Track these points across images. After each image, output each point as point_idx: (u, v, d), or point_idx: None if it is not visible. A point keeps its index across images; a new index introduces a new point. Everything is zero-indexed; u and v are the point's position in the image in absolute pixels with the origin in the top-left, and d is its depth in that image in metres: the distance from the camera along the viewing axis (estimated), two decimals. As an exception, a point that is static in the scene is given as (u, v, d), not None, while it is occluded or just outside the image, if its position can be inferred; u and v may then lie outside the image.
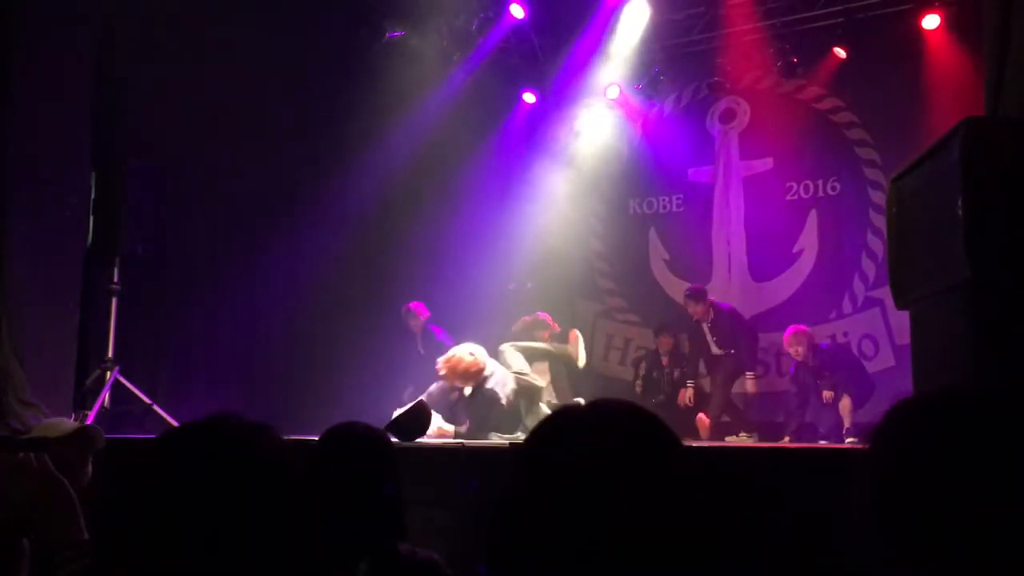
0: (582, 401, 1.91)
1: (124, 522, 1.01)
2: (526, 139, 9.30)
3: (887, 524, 1.24)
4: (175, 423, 5.50)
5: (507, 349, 6.13)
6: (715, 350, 7.44)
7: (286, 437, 1.13)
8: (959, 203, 3.27)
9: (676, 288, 8.89)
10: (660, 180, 9.14)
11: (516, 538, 1.03)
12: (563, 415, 1.14)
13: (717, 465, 3.38)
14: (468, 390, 5.83)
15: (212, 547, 0.98)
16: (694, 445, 5.08)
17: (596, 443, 1.05)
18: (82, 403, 6.29)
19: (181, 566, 0.97)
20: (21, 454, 1.74)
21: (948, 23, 7.53)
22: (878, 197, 7.48)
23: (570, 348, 6.60)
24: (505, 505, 1.06)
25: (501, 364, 5.91)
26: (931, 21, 7.59)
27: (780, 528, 2.88)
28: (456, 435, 5.73)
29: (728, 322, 7.37)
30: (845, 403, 6.58)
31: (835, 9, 7.93)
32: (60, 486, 1.73)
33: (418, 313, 7.69)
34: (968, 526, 1.17)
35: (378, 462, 2.35)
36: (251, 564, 0.99)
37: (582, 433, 1.08)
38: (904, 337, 4.99)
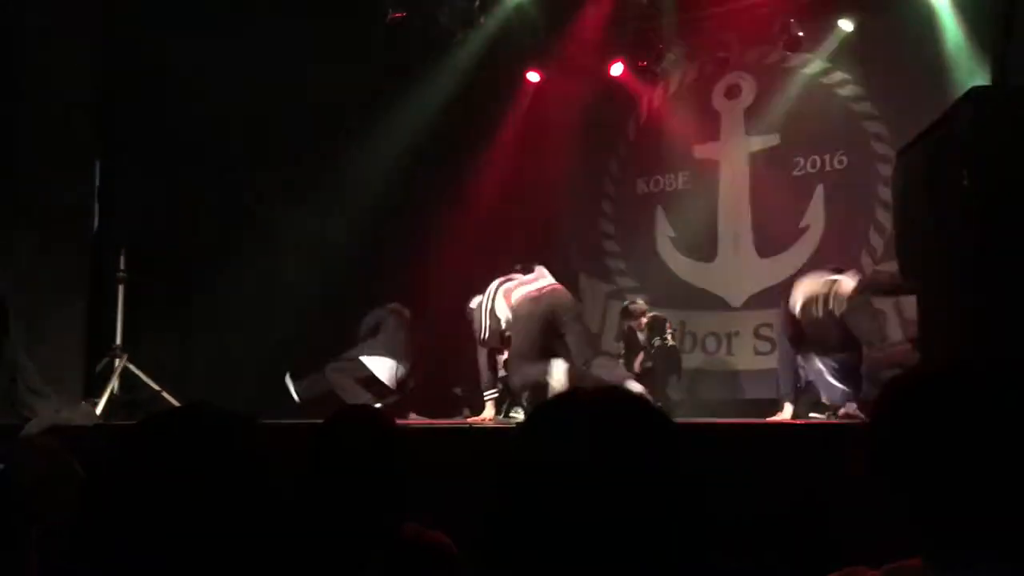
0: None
1: (96, 509, 1.01)
2: (531, 118, 9.26)
3: (889, 494, 1.24)
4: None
5: None
6: None
7: (299, 423, 1.13)
8: (965, 174, 3.25)
9: (683, 266, 8.87)
10: (666, 158, 9.09)
11: (512, 524, 1.03)
12: (560, 401, 1.13)
13: (716, 443, 3.38)
14: None
15: (183, 534, 0.97)
16: (692, 422, 5.08)
17: (593, 428, 1.05)
18: (91, 390, 6.32)
19: (153, 553, 0.96)
20: (28, 437, 1.75)
21: (955, -7, 7.45)
22: (886, 171, 7.41)
23: None
24: (502, 490, 1.06)
25: None
26: (938, -9, 7.51)
27: (780, 505, 2.88)
28: None
29: None
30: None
31: (841, -19, 7.86)
32: (69, 469, 1.74)
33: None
34: (967, 495, 1.17)
35: (383, 443, 2.35)
36: (223, 551, 0.99)
37: (580, 419, 1.07)
38: (912, 311, 4.97)
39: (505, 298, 6.22)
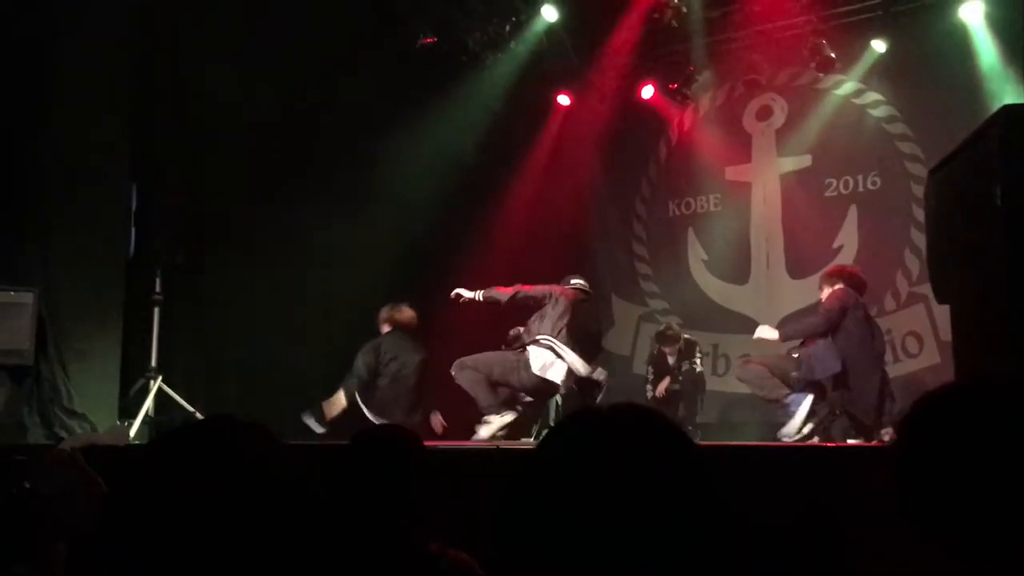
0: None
1: (117, 523, 1.01)
2: (562, 142, 9.28)
3: (911, 510, 1.23)
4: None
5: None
6: None
7: (323, 443, 1.14)
8: (998, 193, 3.21)
9: (715, 288, 8.82)
10: (698, 180, 9.07)
11: (528, 539, 1.03)
12: (579, 417, 1.13)
13: (735, 464, 3.34)
14: None
15: (200, 547, 0.98)
16: (711, 444, 5.04)
17: (612, 445, 1.04)
18: (127, 412, 6.39)
19: (172, 567, 0.97)
20: (55, 450, 1.77)
21: (988, 13, 7.39)
22: (920, 191, 7.33)
23: None
24: (517, 505, 1.05)
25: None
26: (971, 11, 7.45)
27: (798, 525, 2.84)
28: None
29: None
30: None
31: (873, 2, 7.82)
32: (94, 484, 1.75)
33: None
34: (988, 511, 1.15)
35: (406, 462, 2.35)
36: (242, 564, 0.99)
37: (598, 435, 1.07)
38: (946, 331, 4.90)
39: None
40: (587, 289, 6.52)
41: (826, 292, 6.14)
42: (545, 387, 6.18)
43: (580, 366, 6.14)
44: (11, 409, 5.81)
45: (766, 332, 6.31)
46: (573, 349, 6.11)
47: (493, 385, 6.06)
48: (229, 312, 7.35)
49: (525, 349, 6.06)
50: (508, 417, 6.00)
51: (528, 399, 6.54)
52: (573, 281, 6.45)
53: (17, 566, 1.81)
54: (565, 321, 6.11)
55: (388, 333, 6.80)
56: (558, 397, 6.71)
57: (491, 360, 6.18)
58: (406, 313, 6.88)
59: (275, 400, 7.02)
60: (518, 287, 6.25)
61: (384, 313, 6.87)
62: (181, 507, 0.99)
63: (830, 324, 5.91)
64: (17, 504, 1.70)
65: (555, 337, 6.04)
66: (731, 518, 1.04)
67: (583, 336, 6.32)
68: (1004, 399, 1.22)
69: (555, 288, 6.29)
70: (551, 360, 6.03)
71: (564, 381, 6.12)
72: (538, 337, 6.06)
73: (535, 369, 5.98)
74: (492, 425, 5.92)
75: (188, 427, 1.11)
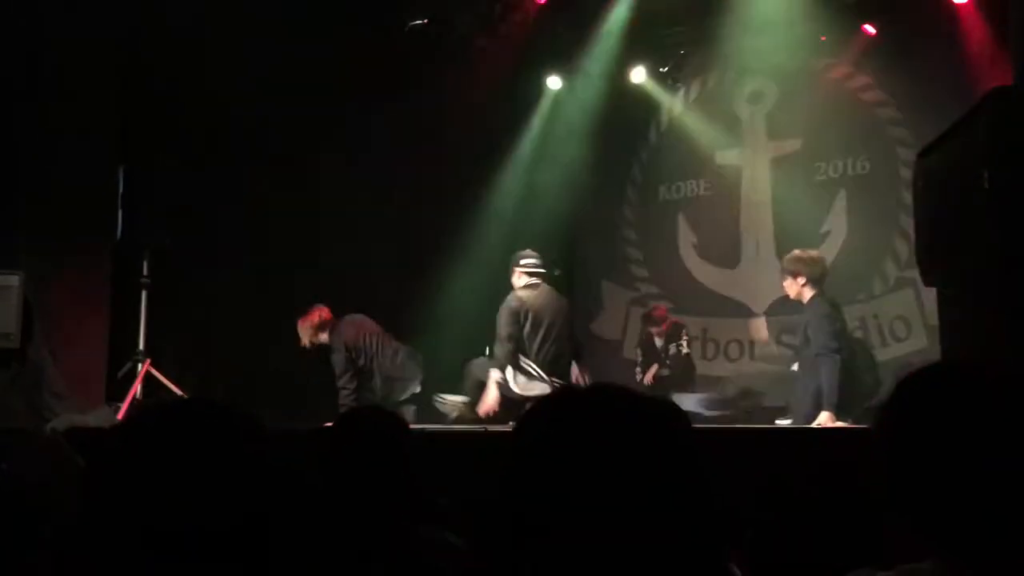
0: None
1: (92, 502, 1.01)
2: (551, 125, 9.26)
3: (898, 493, 1.22)
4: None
5: None
6: None
7: (309, 427, 1.13)
8: (986, 176, 3.21)
9: (705, 273, 8.83)
10: (688, 164, 9.07)
11: (513, 523, 1.02)
12: (561, 397, 1.13)
13: (726, 446, 3.35)
14: None
15: (175, 526, 0.97)
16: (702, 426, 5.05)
17: (595, 425, 1.04)
18: (114, 395, 6.38)
19: (148, 546, 0.96)
20: (34, 432, 1.76)
21: (979, -4, 7.38)
22: (910, 176, 7.35)
23: None
24: (503, 488, 1.05)
25: None
26: (962, -5, 7.44)
27: (789, 508, 2.86)
28: None
29: None
30: None
31: (864, -15, 7.80)
32: (73, 464, 1.74)
33: None
34: (981, 495, 1.15)
35: (394, 444, 2.35)
36: (221, 544, 0.98)
37: (581, 415, 1.06)
38: (934, 316, 4.90)
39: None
40: (537, 270, 6.40)
41: (788, 284, 5.92)
42: None
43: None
44: (-2, 393, 5.78)
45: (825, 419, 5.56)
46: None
47: None
48: (218, 295, 7.33)
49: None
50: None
51: None
52: (523, 261, 6.40)
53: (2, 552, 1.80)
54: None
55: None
56: None
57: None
58: None
59: (265, 384, 7.01)
60: None
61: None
62: (152, 486, 0.98)
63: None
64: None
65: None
66: (713, 496, 1.03)
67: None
68: (997, 382, 1.22)
69: None
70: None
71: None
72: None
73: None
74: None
75: (160, 406, 1.10)
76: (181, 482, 0.99)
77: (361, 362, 6.64)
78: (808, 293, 5.78)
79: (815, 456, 3.28)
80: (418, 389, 6.70)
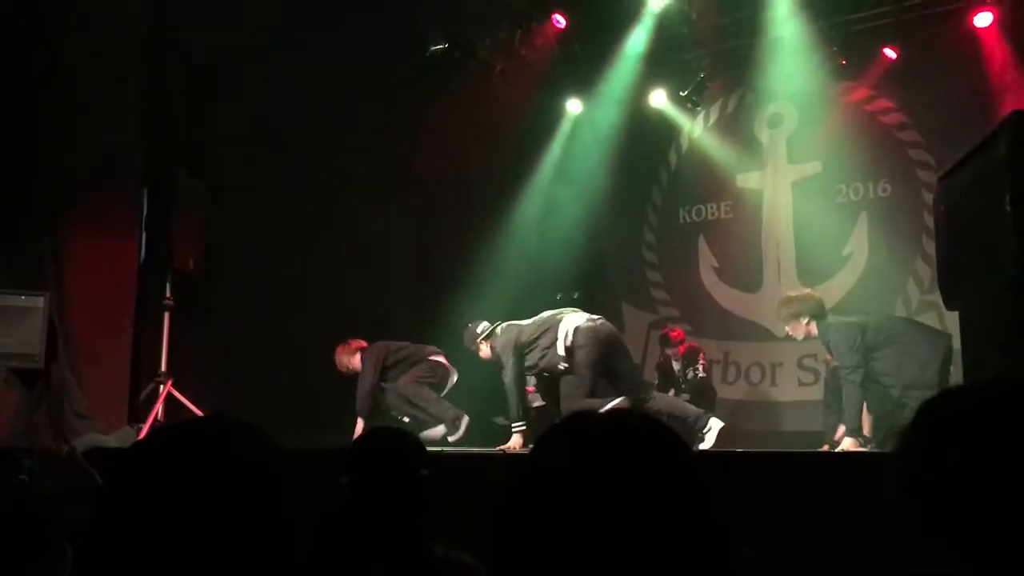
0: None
1: (105, 520, 1.01)
2: (572, 148, 9.29)
3: (923, 515, 1.22)
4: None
5: None
6: None
7: (329, 447, 1.13)
8: (1007, 199, 3.20)
9: (726, 296, 8.80)
10: (709, 187, 9.06)
11: (522, 547, 1.02)
12: (573, 423, 1.12)
13: (736, 471, 3.33)
14: None
15: (189, 544, 0.97)
16: (715, 451, 5.02)
17: (608, 451, 1.04)
18: (136, 416, 6.41)
19: (160, 564, 0.97)
20: (53, 447, 1.78)
21: (1001, 20, 7.37)
22: (931, 198, 7.32)
23: None
24: (512, 513, 1.05)
25: None
26: (983, 19, 7.43)
27: (805, 534, 2.83)
28: None
29: None
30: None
31: (884, 9, 7.80)
32: (90, 478, 1.75)
33: None
34: (1005, 514, 1.14)
35: (410, 464, 2.36)
36: (233, 563, 0.98)
37: (594, 441, 1.06)
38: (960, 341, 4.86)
39: (562, 327, 6.07)
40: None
41: (792, 327, 5.75)
42: None
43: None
44: (22, 413, 5.83)
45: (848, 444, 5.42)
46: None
47: None
48: (240, 318, 7.37)
49: None
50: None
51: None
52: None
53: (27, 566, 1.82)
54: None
55: None
56: None
57: None
58: None
59: (286, 405, 7.03)
60: None
61: None
62: (163, 504, 0.99)
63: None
64: (16, 498, 1.71)
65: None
66: (725, 531, 1.03)
67: None
68: (1012, 401, 1.21)
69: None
70: None
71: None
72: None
73: None
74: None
75: (174, 426, 1.11)
76: (191, 500, 0.99)
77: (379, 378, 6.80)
78: (815, 328, 5.65)
79: (825, 481, 3.25)
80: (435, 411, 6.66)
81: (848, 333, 5.47)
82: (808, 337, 5.75)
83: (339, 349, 6.97)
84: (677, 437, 1.08)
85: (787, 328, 5.84)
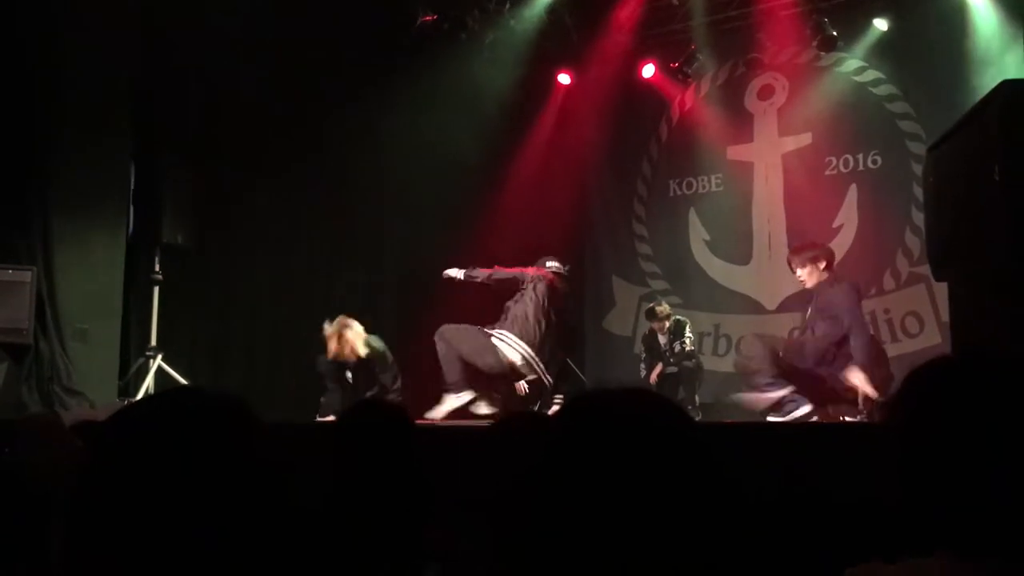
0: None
1: (88, 492, 1.01)
2: (562, 121, 9.25)
3: (910, 487, 1.22)
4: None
5: None
6: None
7: (316, 422, 1.12)
8: (996, 169, 3.19)
9: (717, 269, 8.80)
10: (699, 159, 9.04)
11: (535, 525, 1.02)
12: (585, 401, 1.12)
13: (733, 443, 3.34)
14: None
15: (168, 516, 0.97)
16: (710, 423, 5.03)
17: (619, 429, 1.04)
18: (127, 390, 6.41)
19: (133, 542, 0.96)
20: (34, 416, 1.78)
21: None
22: (921, 170, 7.32)
23: None
24: (525, 491, 1.05)
25: None
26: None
27: (797, 503, 2.84)
28: None
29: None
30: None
31: (875, -20, 7.77)
32: (72, 445, 1.75)
33: None
34: (986, 487, 1.14)
35: (398, 439, 2.34)
36: (214, 539, 0.98)
37: (606, 420, 1.06)
38: (947, 312, 4.87)
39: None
40: (564, 272, 6.43)
41: (808, 271, 5.74)
42: (510, 373, 6.16)
43: (534, 365, 6.07)
44: (10, 387, 5.82)
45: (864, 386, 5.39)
46: (548, 336, 6.07)
47: (464, 363, 5.98)
48: (230, 291, 7.36)
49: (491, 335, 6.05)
50: (464, 398, 5.93)
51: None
52: (549, 264, 6.39)
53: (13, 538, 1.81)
54: (544, 305, 6.07)
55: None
56: (524, 383, 6.52)
57: (465, 337, 6.09)
58: None
59: (277, 379, 7.03)
60: (496, 268, 6.26)
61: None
62: (140, 474, 0.98)
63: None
64: (2, 471, 1.70)
65: (535, 321, 6.01)
66: (739, 505, 1.04)
67: (561, 323, 6.24)
68: (998, 369, 1.21)
69: (531, 270, 6.25)
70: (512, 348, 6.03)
71: (523, 366, 6.09)
72: (496, 333, 6.05)
73: (500, 355, 5.99)
74: (443, 406, 5.90)
75: (150, 398, 1.10)
76: (168, 472, 0.98)
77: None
78: (828, 276, 5.66)
79: (823, 452, 3.26)
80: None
81: (851, 292, 5.59)
82: (816, 286, 5.75)
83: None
84: (686, 413, 1.09)
85: (801, 273, 5.79)
